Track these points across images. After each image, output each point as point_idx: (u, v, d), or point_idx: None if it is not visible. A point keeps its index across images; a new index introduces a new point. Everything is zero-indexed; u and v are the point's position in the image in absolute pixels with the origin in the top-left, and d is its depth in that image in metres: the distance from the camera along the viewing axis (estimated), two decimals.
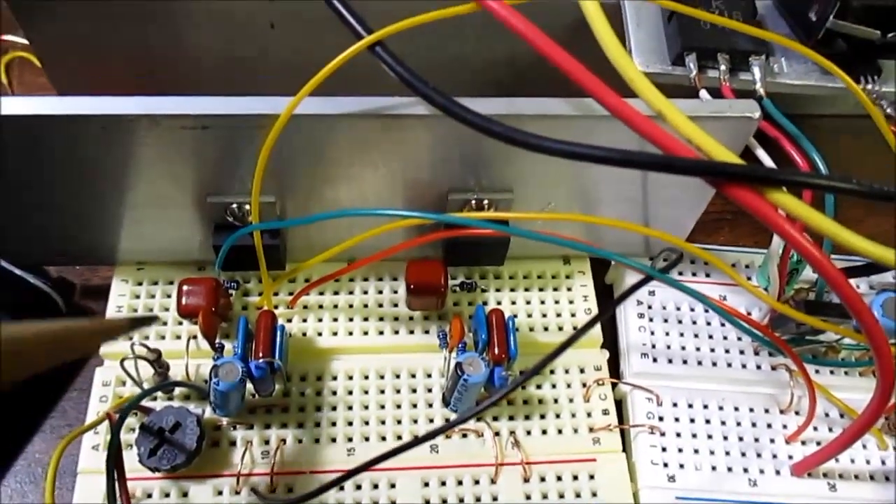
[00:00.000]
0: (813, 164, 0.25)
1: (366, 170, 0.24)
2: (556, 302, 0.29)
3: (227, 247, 0.25)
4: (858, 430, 0.23)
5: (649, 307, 0.29)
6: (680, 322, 0.29)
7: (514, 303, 0.29)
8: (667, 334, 0.29)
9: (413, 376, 0.27)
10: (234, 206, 0.25)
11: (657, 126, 0.19)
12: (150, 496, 0.25)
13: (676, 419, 0.27)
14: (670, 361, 0.28)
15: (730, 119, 0.23)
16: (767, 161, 0.25)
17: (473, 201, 0.26)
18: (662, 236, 0.24)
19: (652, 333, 0.29)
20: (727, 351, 0.29)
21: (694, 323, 0.29)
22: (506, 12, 0.20)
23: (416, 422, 0.27)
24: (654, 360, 0.28)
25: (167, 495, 0.25)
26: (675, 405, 0.27)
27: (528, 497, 0.25)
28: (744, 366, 0.28)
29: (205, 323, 0.26)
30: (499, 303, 0.29)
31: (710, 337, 0.29)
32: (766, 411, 0.28)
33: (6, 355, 0.17)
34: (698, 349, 0.29)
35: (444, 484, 0.25)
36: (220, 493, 0.25)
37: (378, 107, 0.22)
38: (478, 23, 0.25)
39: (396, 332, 0.28)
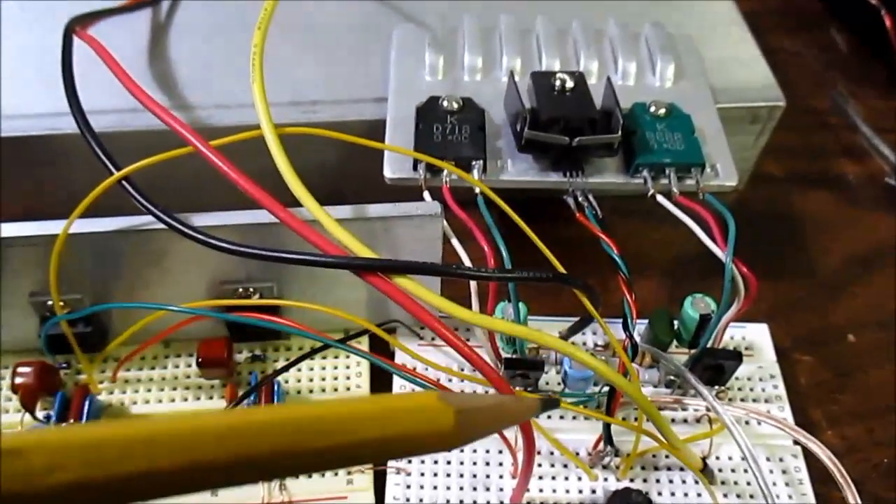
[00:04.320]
0: (497, 250, 0.31)
1: (143, 268, 0.31)
2: (335, 368, 0.35)
3: (44, 334, 0.32)
4: (526, 469, 0.28)
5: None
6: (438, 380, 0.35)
7: (299, 370, 0.35)
8: None
9: None
10: (49, 302, 0.32)
11: (315, 231, 0.26)
12: None
13: (422, 461, 0.33)
14: None
15: (417, 217, 0.30)
16: (460, 250, 0.31)
17: (241, 289, 0.32)
18: (356, 320, 0.31)
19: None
20: None
21: (450, 381, 0.35)
22: (219, 161, 0.27)
23: None
24: None
25: None
26: None
27: None
28: None
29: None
30: (286, 370, 0.35)
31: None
32: (500, 452, 0.33)
33: None
34: None
35: None
36: None
37: (134, 224, 0.29)
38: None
39: (198, 399, 0.34)
